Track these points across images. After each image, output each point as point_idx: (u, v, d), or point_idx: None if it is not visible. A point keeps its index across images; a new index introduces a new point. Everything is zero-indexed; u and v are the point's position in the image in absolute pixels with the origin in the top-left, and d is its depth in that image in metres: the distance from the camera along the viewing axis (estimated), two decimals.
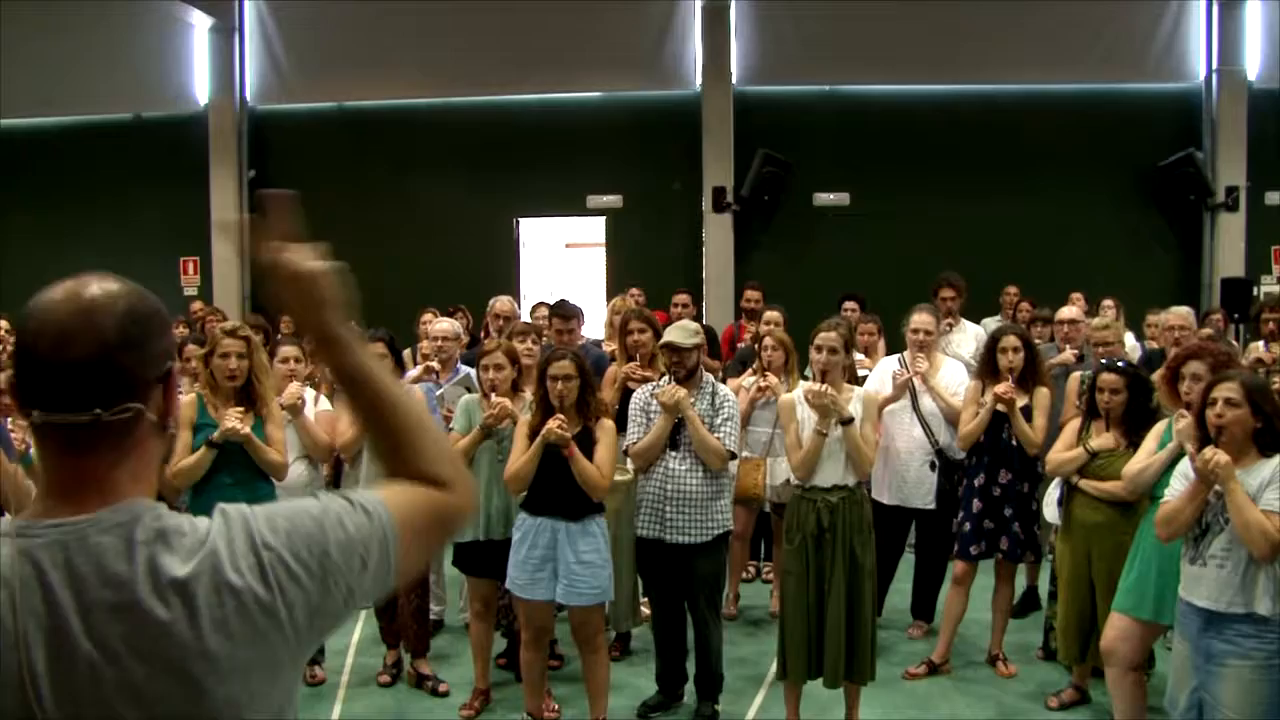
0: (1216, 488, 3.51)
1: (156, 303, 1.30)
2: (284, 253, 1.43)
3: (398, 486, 1.40)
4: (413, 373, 5.91)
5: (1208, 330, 6.65)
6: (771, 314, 6.80)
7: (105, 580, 1.17)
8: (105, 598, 1.16)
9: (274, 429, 4.61)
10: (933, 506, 5.79)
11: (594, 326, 8.01)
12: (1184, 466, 3.77)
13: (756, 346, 6.32)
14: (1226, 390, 3.56)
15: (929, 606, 6.03)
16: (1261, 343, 6.16)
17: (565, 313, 6.49)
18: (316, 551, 1.25)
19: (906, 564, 6.14)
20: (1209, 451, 3.48)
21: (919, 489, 5.78)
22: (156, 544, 1.19)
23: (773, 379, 5.77)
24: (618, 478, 4.81)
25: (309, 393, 5.38)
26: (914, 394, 5.81)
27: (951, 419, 5.74)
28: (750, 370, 6.19)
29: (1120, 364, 4.95)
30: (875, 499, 5.22)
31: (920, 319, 5.91)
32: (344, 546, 1.27)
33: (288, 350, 5.38)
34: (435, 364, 5.94)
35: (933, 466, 5.77)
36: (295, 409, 5.03)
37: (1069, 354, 6.43)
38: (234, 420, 4.40)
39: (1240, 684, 3.46)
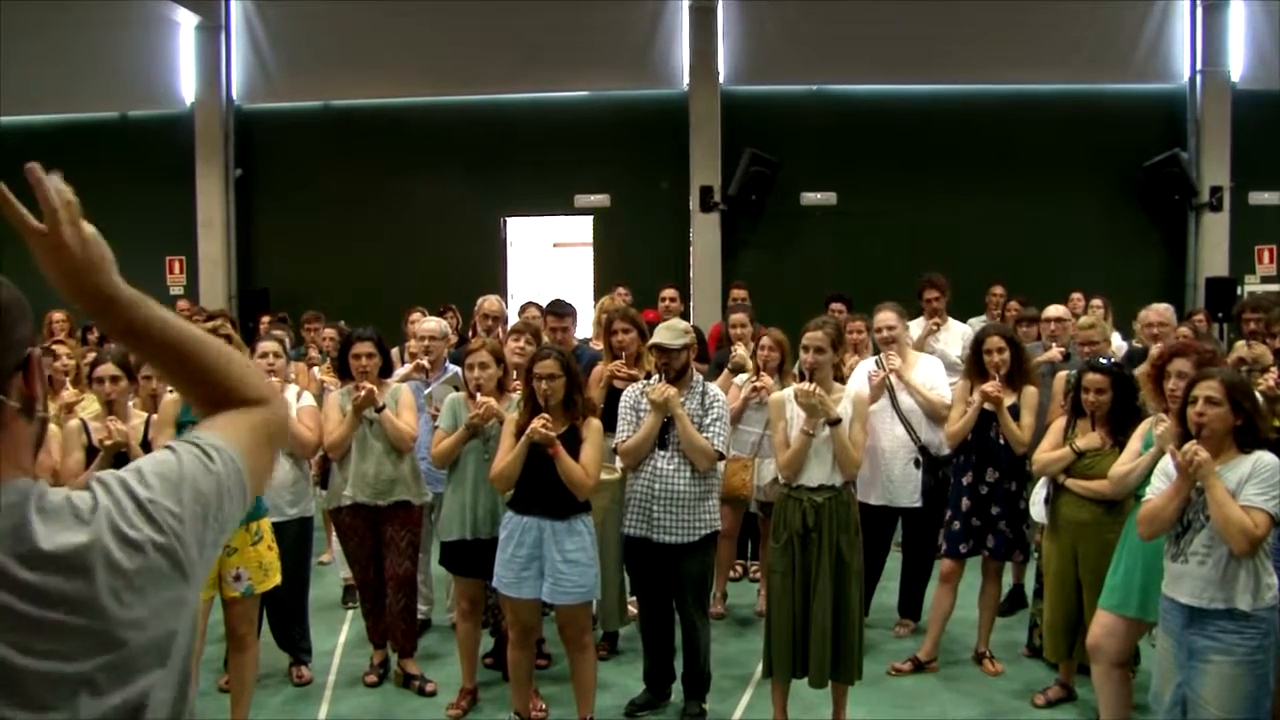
0: (1198, 484, 3.53)
1: (14, 292, 1.34)
2: (54, 223, 1.46)
3: (226, 419, 1.49)
4: (401, 371, 5.90)
5: (1185, 330, 6.67)
6: (737, 317, 6.79)
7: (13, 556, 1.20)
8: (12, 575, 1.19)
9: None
10: (919, 504, 5.81)
11: (583, 326, 8.01)
12: (1165, 465, 3.80)
13: (732, 348, 6.33)
14: (1207, 388, 3.58)
15: (916, 605, 6.05)
16: (1243, 342, 6.19)
17: (559, 311, 6.49)
18: (190, 493, 1.33)
19: (894, 561, 6.15)
20: (1190, 447, 3.51)
21: (905, 488, 5.79)
22: (44, 519, 1.22)
23: (767, 379, 5.77)
24: (605, 477, 4.81)
25: (291, 389, 5.36)
26: (893, 393, 5.82)
27: (930, 414, 5.77)
28: (729, 369, 6.19)
29: (1105, 363, 4.97)
30: (862, 500, 5.22)
31: (883, 317, 5.93)
32: (211, 485, 1.36)
33: (267, 346, 5.37)
34: (424, 362, 5.94)
35: (917, 464, 5.78)
36: None
37: (1055, 352, 6.46)
38: None
39: (1222, 679, 3.48)
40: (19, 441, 1.30)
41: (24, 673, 1.17)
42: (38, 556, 1.19)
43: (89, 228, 1.47)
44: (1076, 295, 8.57)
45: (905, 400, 5.81)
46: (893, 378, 5.81)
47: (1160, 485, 3.76)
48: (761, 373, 5.84)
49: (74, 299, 1.41)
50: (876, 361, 5.95)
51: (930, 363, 6.08)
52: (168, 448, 1.40)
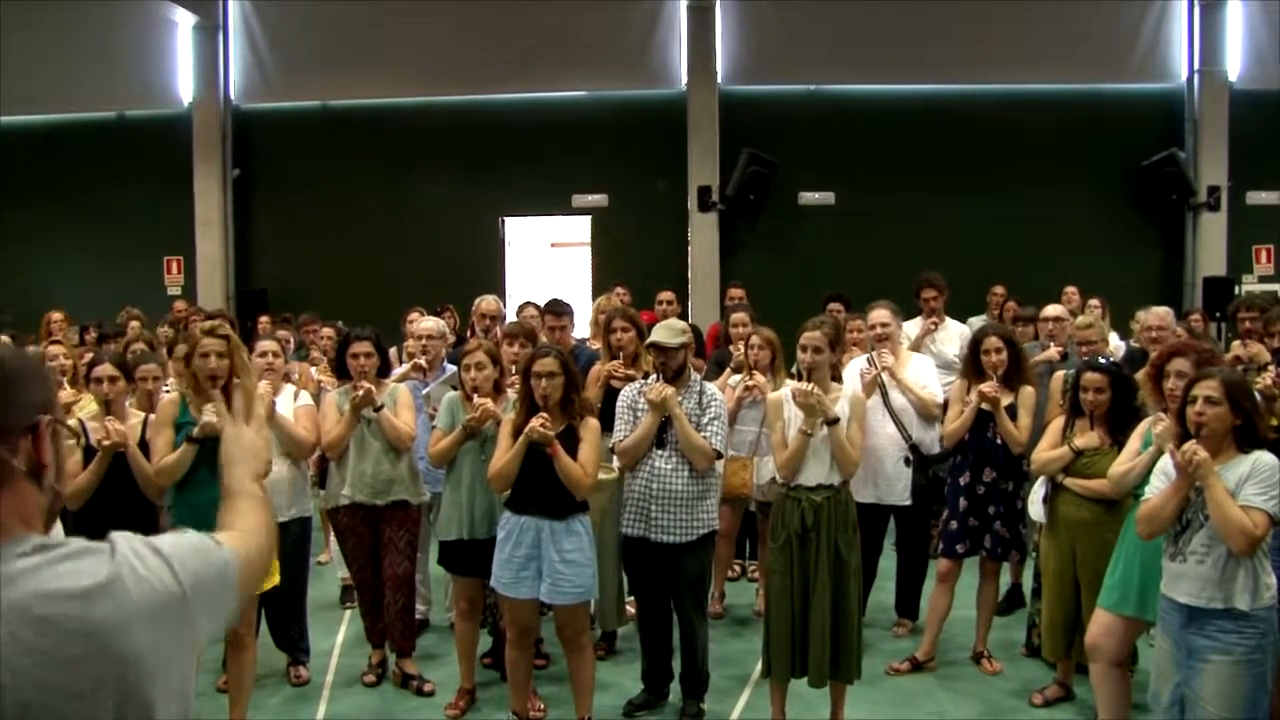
0: (1197, 484, 3.54)
1: (27, 361, 1.39)
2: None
3: (233, 535, 1.64)
4: (399, 371, 5.90)
5: (1180, 329, 6.69)
6: (738, 316, 6.80)
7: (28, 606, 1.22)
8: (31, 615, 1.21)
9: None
10: (909, 502, 5.81)
11: (581, 326, 8.01)
12: (1164, 464, 3.80)
13: (730, 348, 6.33)
14: (1206, 388, 3.58)
15: (913, 604, 6.05)
16: (1240, 341, 6.19)
17: (557, 310, 6.48)
18: (202, 564, 1.38)
19: (890, 561, 6.16)
20: (1189, 446, 3.51)
21: (895, 485, 5.79)
22: (67, 558, 1.26)
23: (759, 378, 5.78)
24: (603, 476, 4.81)
25: (288, 389, 5.35)
26: (884, 391, 5.83)
27: (922, 413, 5.78)
28: (731, 368, 6.19)
29: (1103, 362, 4.97)
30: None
31: (876, 314, 5.95)
32: (220, 567, 1.43)
33: (265, 345, 5.37)
34: (422, 361, 5.93)
35: (907, 462, 5.79)
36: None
37: (1053, 351, 6.46)
38: (211, 415, 4.39)
39: (1221, 679, 3.48)
40: (26, 503, 1.32)
41: (42, 709, 1.19)
42: (53, 595, 1.21)
43: (251, 434, 1.93)
44: (1071, 289, 8.56)
45: (897, 398, 5.82)
46: (885, 375, 5.82)
47: (1159, 484, 3.76)
48: (754, 371, 5.85)
49: (226, 477, 1.86)
50: (868, 359, 5.96)
51: (922, 361, 6.09)
52: (186, 534, 1.45)
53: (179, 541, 1.37)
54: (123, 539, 1.31)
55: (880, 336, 5.89)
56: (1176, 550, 3.63)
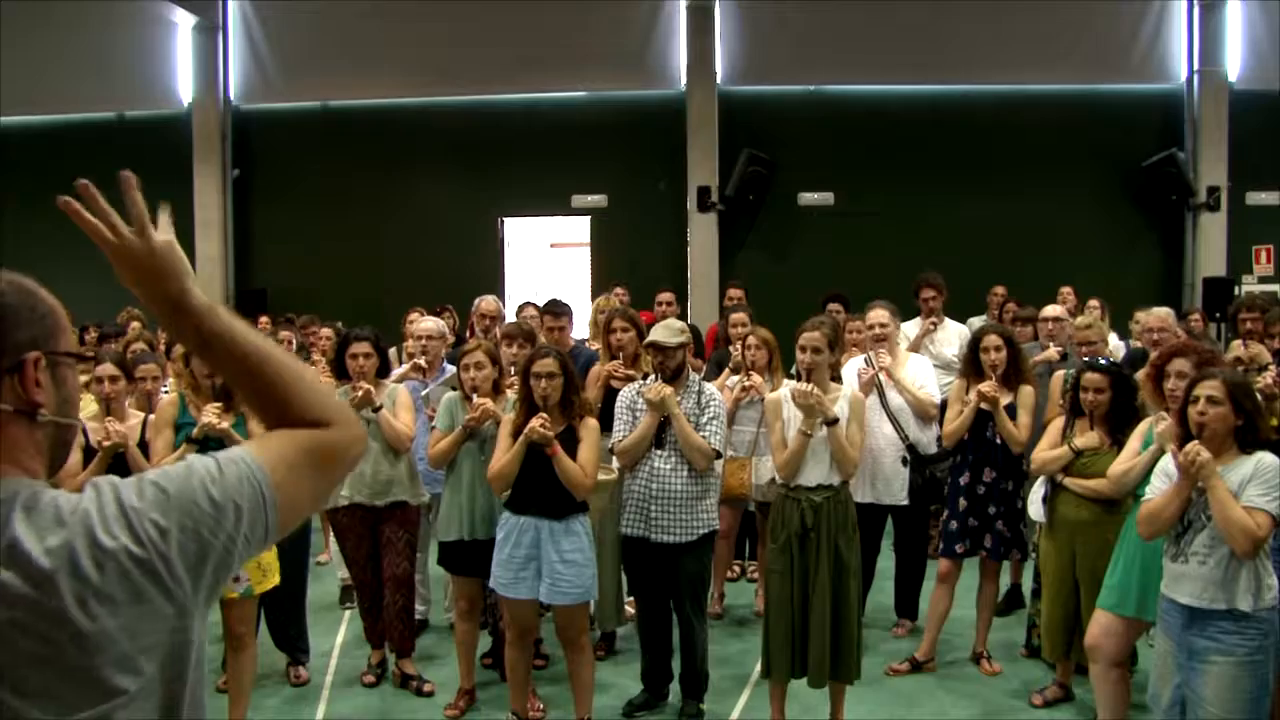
0: (1199, 484, 3.53)
1: (14, 297, 1.34)
2: (132, 229, 1.50)
3: (274, 435, 1.46)
4: (399, 371, 5.90)
5: (1180, 333, 6.69)
6: (737, 316, 6.80)
7: None
8: None
9: (255, 425, 4.58)
10: (906, 502, 5.81)
11: (580, 326, 8.00)
12: (1165, 465, 3.80)
13: (730, 348, 6.33)
14: (1208, 388, 3.58)
15: (912, 605, 6.05)
16: (1240, 341, 6.19)
17: (556, 310, 6.48)
18: (183, 506, 1.29)
19: (889, 561, 6.16)
20: (1192, 447, 3.50)
21: (892, 485, 5.80)
22: (26, 517, 1.23)
23: (756, 378, 5.78)
24: (602, 477, 4.81)
25: None
26: (881, 390, 5.83)
27: (919, 413, 5.79)
28: (730, 368, 6.19)
29: (1104, 363, 4.98)
30: None
31: (875, 314, 5.95)
32: (211, 498, 1.31)
33: None
34: (422, 361, 5.93)
35: (905, 462, 5.79)
36: None
37: (1052, 351, 6.47)
38: (211, 415, 4.39)
39: (1222, 680, 3.48)
40: (17, 443, 1.31)
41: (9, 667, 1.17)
42: (11, 554, 1.19)
43: (161, 236, 1.50)
44: (1066, 289, 8.56)
45: (894, 398, 5.82)
46: (882, 375, 5.82)
47: (1160, 485, 3.75)
48: (750, 371, 5.85)
49: (147, 304, 1.46)
50: (866, 359, 5.96)
51: (919, 362, 6.09)
52: (186, 459, 1.39)
53: (155, 487, 1.29)
54: (95, 492, 1.27)
55: (878, 337, 5.89)
56: (1178, 551, 3.63)
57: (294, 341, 7.62)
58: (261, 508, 1.36)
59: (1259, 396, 3.84)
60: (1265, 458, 3.50)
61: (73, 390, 1.41)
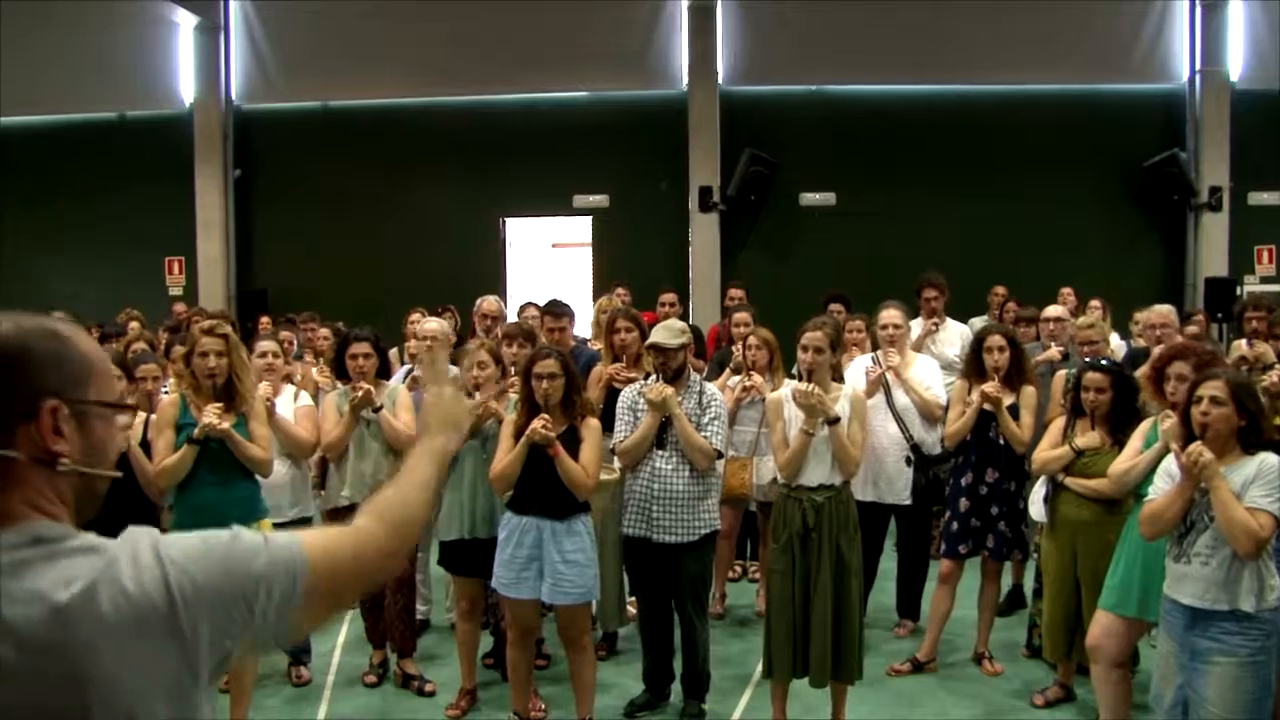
0: (1202, 485, 3.53)
1: (20, 344, 1.30)
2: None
3: (335, 529, 1.50)
4: (397, 378, 5.89)
5: (1193, 329, 6.69)
6: (740, 315, 6.80)
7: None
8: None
9: (257, 425, 4.59)
10: (909, 502, 5.81)
11: (582, 327, 8.00)
12: (1168, 465, 3.79)
13: (732, 348, 6.32)
14: (1212, 388, 3.57)
15: (914, 605, 6.05)
16: (1244, 341, 6.19)
17: (556, 311, 6.47)
18: (218, 571, 1.27)
19: (891, 561, 6.15)
20: (1195, 448, 3.49)
21: (896, 484, 5.80)
22: (45, 558, 1.21)
23: (757, 378, 5.78)
24: (604, 477, 4.81)
25: (288, 389, 5.35)
26: (888, 390, 5.83)
27: (925, 413, 5.79)
28: (731, 369, 6.19)
29: (1105, 363, 4.97)
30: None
31: (888, 314, 5.95)
32: (248, 573, 1.30)
33: (265, 345, 5.38)
34: (420, 372, 5.94)
35: (908, 462, 5.79)
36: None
37: (1054, 351, 6.46)
38: (212, 416, 4.38)
39: (1225, 681, 3.47)
40: (37, 491, 1.29)
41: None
42: (15, 595, 1.17)
43: (446, 395, 1.91)
44: (1066, 290, 8.56)
45: (900, 398, 5.82)
46: (889, 375, 5.82)
47: (1163, 485, 3.74)
48: (751, 372, 5.85)
49: (425, 433, 1.84)
50: (873, 358, 5.96)
51: (926, 363, 6.09)
52: (234, 529, 1.36)
53: (198, 543, 1.29)
54: (131, 537, 1.26)
55: (890, 338, 5.89)
56: (1181, 551, 3.62)
57: (295, 341, 7.61)
58: (289, 600, 1.33)
59: (1263, 396, 3.83)
60: (1268, 458, 3.49)
61: (103, 440, 1.38)
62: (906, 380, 5.84)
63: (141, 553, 1.24)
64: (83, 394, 1.34)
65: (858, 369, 5.97)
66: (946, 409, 5.74)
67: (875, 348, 6.18)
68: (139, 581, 1.21)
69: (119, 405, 1.44)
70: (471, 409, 4.81)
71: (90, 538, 1.26)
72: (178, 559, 1.24)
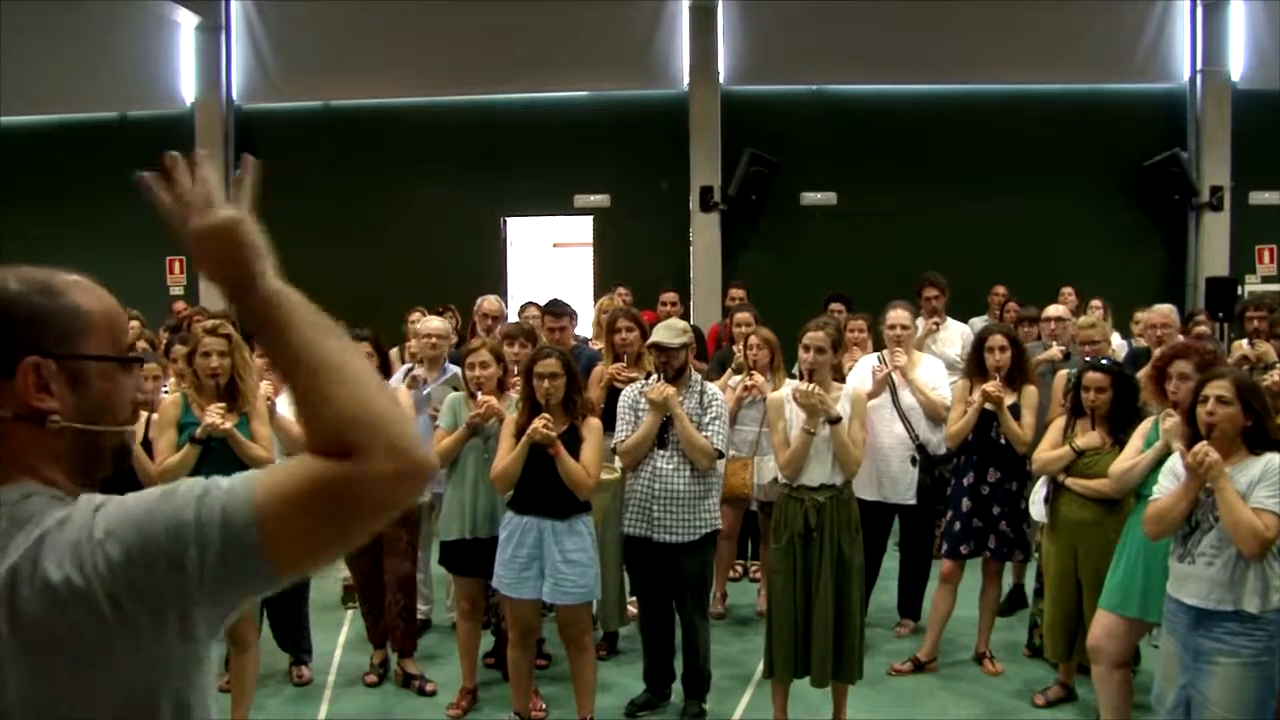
0: (1207, 485, 3.52)
1: (24, 295, 1.29)
2: (199, 206, 1.43)
3: (287, 463, 1.24)
4: (397, 377, 5.89)
5: (1203, 328, 6.69)
6: (742, 315, 6.80)
7: None
8: None
9: (259, 425, 4.59)
10: (913, 502, 5.81)
11: (583, 326, 8.00)
12: (1173, 464, 3.78)
13: (733, 348, 6.32)
14: (1218, 388, 3.57)
15: (915, 604, 6.05)
16: (1246, 341, 6.19)
17: (557, 311, 6.48)
18: (135, 535, 1.16)
19: (892, 561, 6.15)
20: (1200, 447, 3.49)
21: (900, 484, 5.80)
22: (13, 527, 1.18)
23: (759, 378, 5.78)
24: (605, 477, 4.81)
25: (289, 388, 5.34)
26: (894, 390, 5.83)
27: (931, 414, 5.79)
28: (732, 369, 6.19)
29: (1105, 362, 4.97)
30: (857, 495, 5.23)
31: (896, 314, 5.96)
32: (170, 528, 1.16)
33: None
34: (419, 371, 5.94)
35: (914, 462, 5.79)
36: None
37: (1055, 351, 6.46)
38: (214, 415, 4.39)
39: (1228, 681, 3.47)
40: (24, 450, 1.26)
41: None
42: None
43: (225, 213, 1.44)
44: (1067, 290, 8.56)
45: (906, 398, 5.82)
46: (896, 375, 5.82)
47: (1168, 485, 3.74)
48: (753, 371, 5.86)
49: (218, 281, 1.37)
50: (879, 357, 5.97)
51: (932, 363, 6.09)
52: (179, 481, 1.24)
53: (121, 507, 1.18)
54: (78, 506, 1.20)
55: (898, 338, 5.89)
56: (1185, 551, 3.62)
57: None
58: (240, 550, 1.17)
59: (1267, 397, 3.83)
60: (1274, 459, 3.49)
61: (104, 395, 1.32)
62: (913, 381, 5.84)
63: (72, 524, 1.17)
64: (73, 348, 1.29)
65: (864, 368, 5.97)
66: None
67: (877, 348, 6.18)
68: (59, 564, 1.14)
69: (118, 358, 1.36)
70: (473, 410, 4.84)
71: (51, 507, 1.20)
72: (99, 533, 1.15)
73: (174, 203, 1.46)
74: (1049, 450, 4.85)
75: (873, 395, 5.76)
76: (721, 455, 4.93)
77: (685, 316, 9.40)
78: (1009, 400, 5.27)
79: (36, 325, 1.28)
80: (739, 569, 6.94)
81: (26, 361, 1.26)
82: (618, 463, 5.01)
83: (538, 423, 4.38)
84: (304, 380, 1.25)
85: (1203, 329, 6.72)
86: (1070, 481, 4.74)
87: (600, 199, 12.29)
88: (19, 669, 1.14)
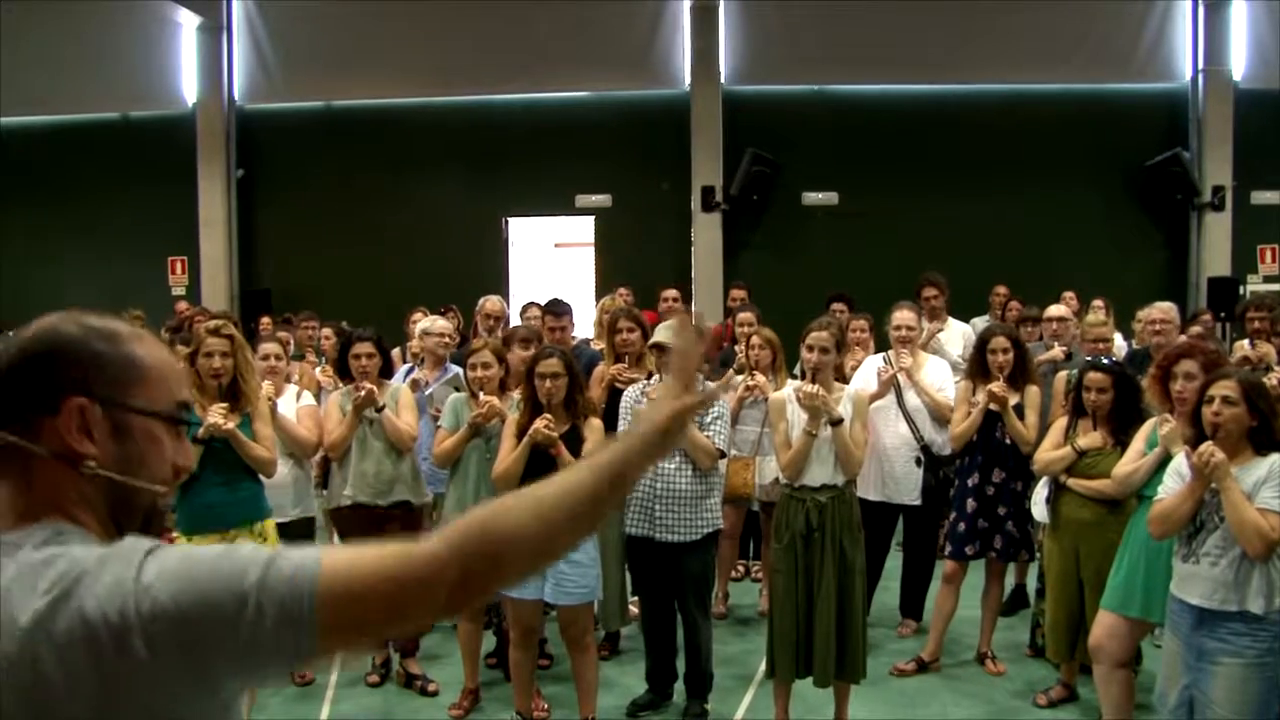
0: (1212, 485, 3.52)
1: (52, 339, 1.27)
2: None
3: (356, 549, 1.21)
4: (399, 377, 5.89)
5: (1197, 329, 6.68)
6: (745, 315, 6.81)
7: None
8: None
9: (261, 426, 4.59)
10: (918, 502, 5.81)
11: (584, 326, 8.00)
12: (1178, 464, 3.78)
13: (735, 348, 6.32)
14: (1224, 388, 3.57)
15: (918, 604, 6.04)
16: (1247, 341, 6.19)
17: (556, 310, 6.48)
18: (190, 589, 1.13)
19: (895, 561, 6.15)
20: (1206, 447, 3.49)
21: (905, 485, 5.80)
22: (32, 564, 1.16)
23: (760, 378, 5.79)
24: None
25: (290, 389, 5.36)
26: (899, 390, 5.83)
27: (936, 415, 5.78)
28: (734, 369, 6.19)
29: (1106, 362, 4.97)
30: (861, 496, 5.22)
31: (902, 315, 5.95)
32: (230, 589, 1.13)
33: (268, 347, 5.39)
34: (419, 375, 5.95)
35: (918, 462, 5.79)
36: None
37: (1057, 351, 6.46)
38: (217, 416, 4.39)
39: (1231, 682, 3.47)
40: (58, 490, 1.25)
41: None
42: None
43: (672, 409, 1.54)
44: (1069, 294, 8.55)
45: (911, 399, 5.82)
46: (901, 376, 5.82)
47: (1173, 485, 3.73)
48: (754, 372, 5.86)
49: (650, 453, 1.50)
50: (885, 358, 5.96)
51: (939, 365, 6.08)
52: (237, 544, 1.25)
53: (178, 558, 1.16)
54: (120, 551, 1.17)
55: (904, 339, 5.89)
56: (1190, 552, 3.61)
57: (292, 341, 7.61)
58: (294, 624, 1.14)
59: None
60: None
61: (144, 450, 1.30)
62: (918, 382, 5.83)
63: (115, 566, 1.14)
64: (121, 397, 1.28)
65: (869, 369, 5.97)
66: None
67: (880, 348, 6.17)
68: (99, 599, 1.11)
69: (164, 415, 1.32)
70: (475, 410, 4.84)
71: (80, 546, 1.19)
72: (148, 578, 1.13)
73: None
74: (1051, 451, 4.85)
75: (878, 396, 5.77)
76: (723, 455, 4.93)
77: None
78: (1011, 400, 5.27)
79: (89, 368, 1.27)
80: (741, 569, 6.94)
81: (72, 402, 1.25)
82: None
83: (539, 423, 4.38)
84: (535, 513, 1.27)
85: (1196, 329, 6.70)
86: (1072, 482, 4.74)
87: (602, 199, 12.30)
88: (47, 704, 1.12)
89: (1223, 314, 10.02)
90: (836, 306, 7.99)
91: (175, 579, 1.13)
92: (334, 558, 1.18)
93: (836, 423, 4.54)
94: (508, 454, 4.52)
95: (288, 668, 1.20)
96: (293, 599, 1.14)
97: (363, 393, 5.02)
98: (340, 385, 5.51)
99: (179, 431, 1.36)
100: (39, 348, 1.26)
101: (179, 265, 12.77)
